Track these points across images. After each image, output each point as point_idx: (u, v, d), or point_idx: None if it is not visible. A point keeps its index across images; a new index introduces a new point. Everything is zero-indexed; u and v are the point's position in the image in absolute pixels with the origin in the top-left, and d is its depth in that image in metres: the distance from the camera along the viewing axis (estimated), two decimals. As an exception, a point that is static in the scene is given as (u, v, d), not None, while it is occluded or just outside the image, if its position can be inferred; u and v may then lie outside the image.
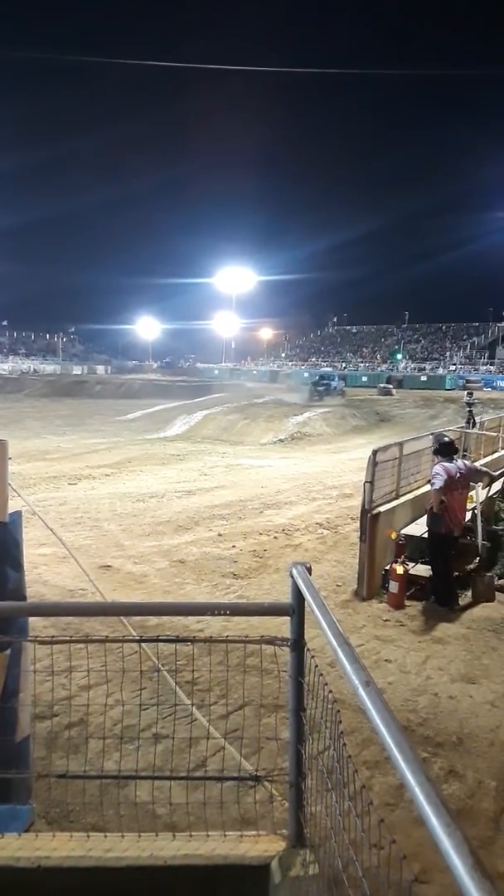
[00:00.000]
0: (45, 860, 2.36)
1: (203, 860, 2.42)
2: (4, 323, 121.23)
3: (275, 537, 9.36)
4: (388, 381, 58.00)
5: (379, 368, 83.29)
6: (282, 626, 2.61)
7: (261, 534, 9.52)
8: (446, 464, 6.99)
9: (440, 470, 6.88)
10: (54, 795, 3.38)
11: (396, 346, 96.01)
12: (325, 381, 45.55)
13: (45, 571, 7.42)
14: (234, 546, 8.86)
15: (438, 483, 6.79)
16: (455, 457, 7.34)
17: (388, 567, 7.06)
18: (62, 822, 3.32)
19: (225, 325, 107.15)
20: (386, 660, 5.57)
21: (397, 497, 8.06)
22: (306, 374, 75.96)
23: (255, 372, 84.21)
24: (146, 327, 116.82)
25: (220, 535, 9.43)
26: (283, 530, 9.75)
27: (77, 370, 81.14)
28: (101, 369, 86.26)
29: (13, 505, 3.33)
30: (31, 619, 3.59)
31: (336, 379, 48.75)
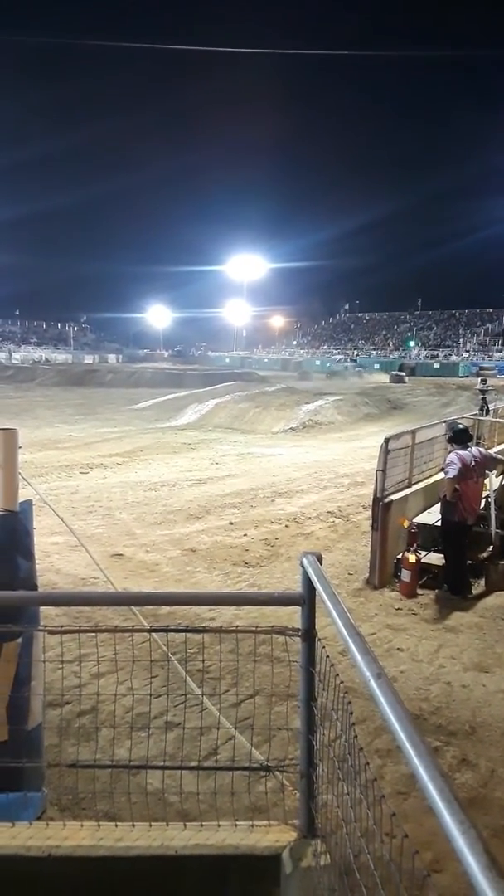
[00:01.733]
0: (55, 849, 2.36)
1: (214, 850, 2.41)
2: (17, 312, 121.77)
3: (286, 526, 9.34)
4: (401, 368, 57.76)
5: (391, 356, 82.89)
6: (293, 615, 2.59)
7: (272, 522, 9.51)
8: (461, 452, 6.92)
9: (454, 458, 6.82)
10: (66, 783, 3.40)
11: (409, 334, 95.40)
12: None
13: (57, 560, 7.44)
14: (245, 534, 8.85)
15: (452, 471, 6.73)
16: (469, 444, 7.27)
17: (400, 556, 7.02)
18: (74, 810, 3.33)
19: (236, 314, 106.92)
20: (398, 648, 5.55)
21: (410, 485, 8.00)
22: (318, 363, 75.78)
23: (266, 360, 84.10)
24: (157, 316, 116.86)
25: (231, 523, 9.42)
26: (295, 519, 9.73)
27: (88, 359, 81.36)
28: (112, 358, 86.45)
29: (24, 494, 3.32)
30: (43, 608, 3.60)
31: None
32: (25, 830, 2.46)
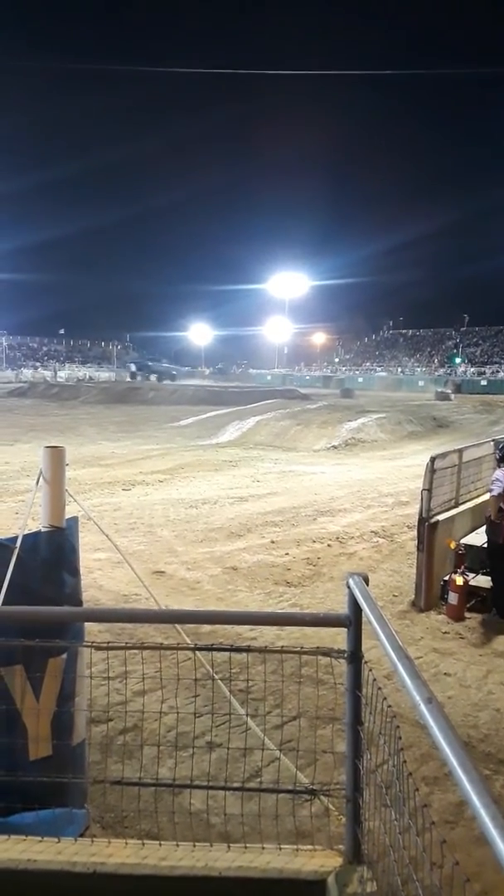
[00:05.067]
0: (100, 866, 2.36)
1: (258, 873, 2.38)
2: (62, 331, 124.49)
3: (329, 545, 9.27)
4: (447, 385, 57.08)
5: (436, 373, 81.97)
6: (336, 637, 2.57)
7: (314, 541, 9.45)
8: (507, 470, 6.78)
9: (500, 475, 6.69)
10: (109, 800, 3.41)
11: (455, 350, 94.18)
12: None
13: (100, 576, 7.52)
14: (287, 553, 8.81)
15: (497, 490, 6.60)
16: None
17: (447, 578, 6.89)
18: (116, 828, 3.34)
19: (277, 331, 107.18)
20: (445, 673, 5.43)
21: (457, 505, 7.87)
22: (361, 380, 75.45)
23: (308, 377, 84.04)
24: (199, 334, 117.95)
25: (272, 542, 9.39)
26: (338, 538, 9.64)
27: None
28: (154, 376, 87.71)
29: (70, 510, 3.38)
30: (87, 624, 3.63)
31: None
32: (71, 846, 2.46)
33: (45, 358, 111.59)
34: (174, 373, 63.61)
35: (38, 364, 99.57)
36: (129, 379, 55.05)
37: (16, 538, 3.13)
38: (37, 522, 3.34)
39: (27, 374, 70.99)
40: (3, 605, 2.90)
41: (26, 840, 2.51)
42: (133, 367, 62.82)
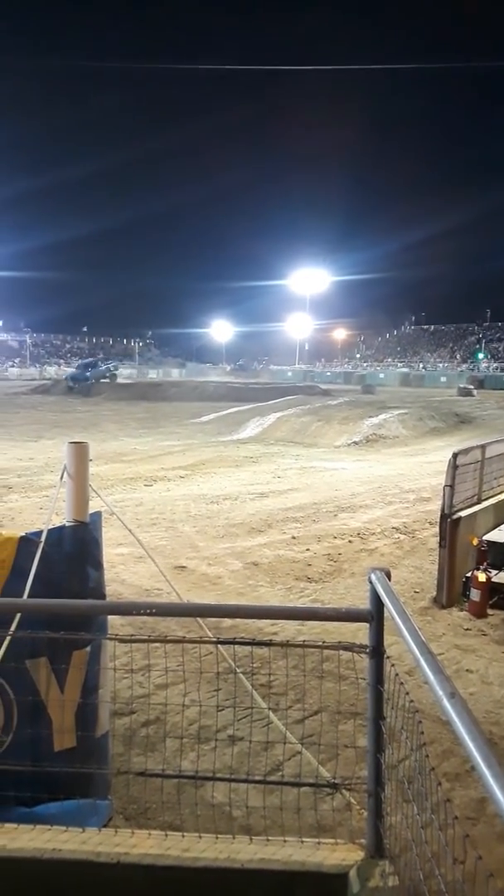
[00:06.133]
0: (124, 856, 2.40)
1: (280, 865, 2.40)
2: (84, 329, 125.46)
3: (350, 541, 9.25)
4: (469, 381, 56.59)
5: (459, 368, 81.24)
6: (357, 632, 2.57)
7: (335, 537, 9.43)
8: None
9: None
10: (132, 792, 3.44)
11: (477, 346, 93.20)
12: None
13: (123, 570, 7.58)
14: (307, 549, 8.80)
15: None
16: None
17: (469, 574, 6.84)
18: (139, 819, 3.37)
19: (298, 327, 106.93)
20: (467, 670, 5.40)
21: (479, 502, 7.80)
22: (382, 375, 75.04)
23: (328, 373, 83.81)
24: (220, 330, 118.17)
25: (293, 537, 9.40)
26: (359, 534, 9.62)
27: (152, 374, 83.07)
28: (175, 373, 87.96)
29: (93, 505, 3.41)
30: (110, 617, 3.67)
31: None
32: (95, 836, 2.50)
33: (69, 355, 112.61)
34: (114, 371, 53.35)
35: (61, 361, 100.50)
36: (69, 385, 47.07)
37: (41, 532, 3.17)
38: (61, 517, 3.38)
39: (51, 371, 71.56)
40: (28, 598, 2.94)
41: (51, 830, 2.55)
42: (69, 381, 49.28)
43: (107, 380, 47.73)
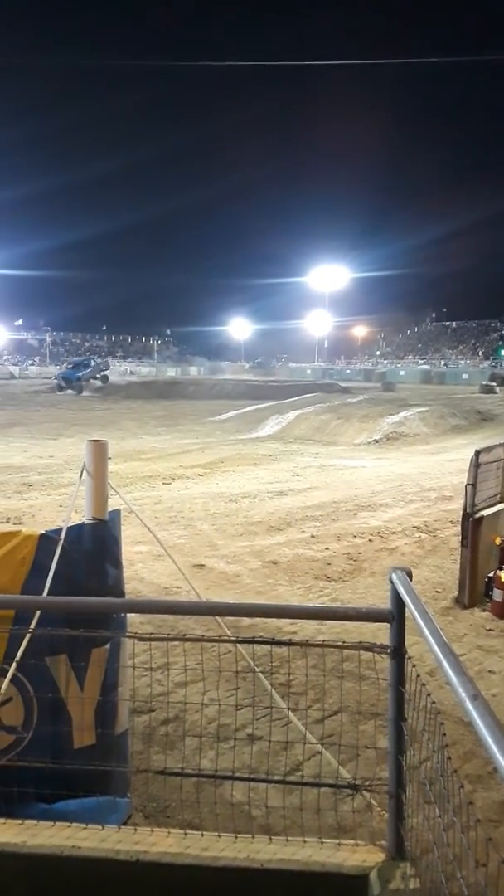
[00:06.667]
0: (143, 854, 2.39)
1: (300, 866, 2.38)
2: (104, 327, 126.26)
3: (370, 540, 9.19)
4: (492, 378, 56.09)
5: (481, 365, 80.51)
6: (377, 632, 2.54)
7: (355, 536, 9.38)
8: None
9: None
10: (152, 790, 3.45)
11: (500, 342, 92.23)
12: None
13: (142, 568, 7.60)
14: (327, 548, 8.77)
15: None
16: None
17: (491, 574, 6.77)
18: (159, 817, 3.37)
19: (317, 324, 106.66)
20: (489, 671, 5.34)
21: (502, 500, 7.71)
22: (402, 373, 74.60)
23: (348, 371, 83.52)
24: (238, 328, 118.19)
25: (312, 536, 9.36)
26: (379, 533, 9.56)
27: (171, 372, 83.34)
28: (194, 371, 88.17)
29: (112, 503, 3.42)
30: (129, 615, 3.68)
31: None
32: (114, 834, 2.50)
33: (88, 353, 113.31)
34: (103, 371, 50.42)
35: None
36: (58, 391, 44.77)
37: (60, 530, 3.18)
38: (80, 515, 3.39)
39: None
40: (48, 595, 2.95)
41: (71, 827, 2.56)
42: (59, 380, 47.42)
43: (97, 381, 46.36)
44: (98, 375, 46.91)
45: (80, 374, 46.87)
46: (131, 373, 76.82)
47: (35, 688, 3.09)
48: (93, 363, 52.81)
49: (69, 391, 43.73)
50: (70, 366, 52.98)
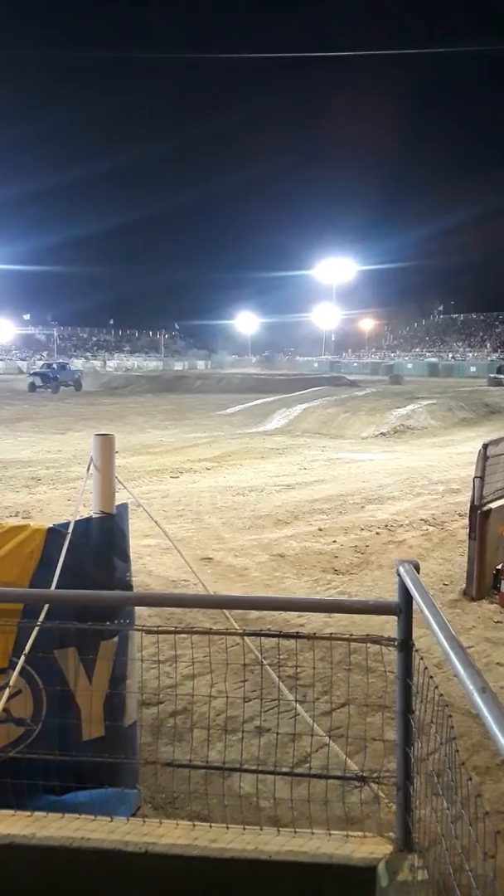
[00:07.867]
0: (152, 846, 2.41)
1: (308, 857, 2.39)
2: (111, 322, 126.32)
3: (377, 533, 9.19)
4: (499, 370, 55.85)
5: (489, 358, 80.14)
6: (385, 625, 2.54)
7: (362, 529, 9.37)
8: None
9: None
10: (160, 782, 3.47)
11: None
12: None
13: (150, 562, 7.62)
14: (334, 541, 8.76)
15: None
16: None
17: (499, 566, 6.75)
18: (167, 809, 3.39)
19: (324, 317, 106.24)
20: (497, 663, 5.33)
21: (509, 493, 7.69)
22: (410, 366, 74.38)
23: (355, 364, 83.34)
24: (245, 322, 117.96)
25: (320, 529, 9.36)
26: (386, 526, 9.55)
27: (178, 366, 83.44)
28: (201, 364, 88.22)
29: (120, 497, 3.42)
30: (137, 608, 3.69)
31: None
32: (123, 826, 2.52)
33: (95, 348, 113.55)
34: (77, 376, 48.11)
35: (88, 354, 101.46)
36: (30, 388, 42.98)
37: (68, 524, 3.19)
38: (88, 509, 3.40)
39: (77, 364, 72.02)
40: (56, 588, 2.96)
41: (80, 818, 2.57)
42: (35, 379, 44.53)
43: (70, 386, 44.33)
44: (70, 382, 45.43)
45: (59, 376, 44.76)
46: (138, 367, 77.00)
47: (44, 680, 3.11)
48: (68, 366, 51.15)
49: (46, 390, 42.02)
50: (45, 365, 51.33)
